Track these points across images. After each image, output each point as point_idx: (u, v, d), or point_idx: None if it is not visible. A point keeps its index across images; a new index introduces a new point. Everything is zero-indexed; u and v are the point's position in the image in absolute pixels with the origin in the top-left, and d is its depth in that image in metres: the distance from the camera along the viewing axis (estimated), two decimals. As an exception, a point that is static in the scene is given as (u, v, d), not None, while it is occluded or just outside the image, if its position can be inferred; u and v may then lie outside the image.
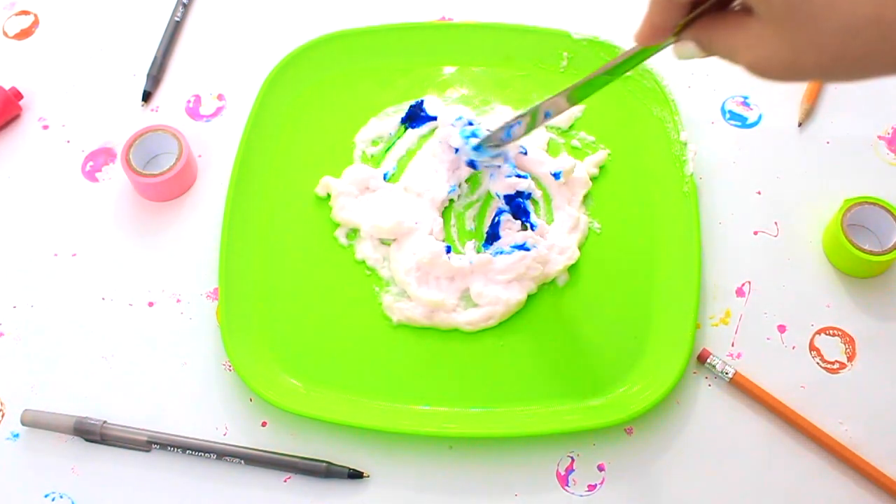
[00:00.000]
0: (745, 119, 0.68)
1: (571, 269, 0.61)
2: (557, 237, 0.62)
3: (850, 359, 0.59)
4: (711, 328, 0.60)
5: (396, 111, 0.68)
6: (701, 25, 0.42)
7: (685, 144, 0.64)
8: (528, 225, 0.62)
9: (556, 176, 0.63)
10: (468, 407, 0.57)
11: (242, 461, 0.56)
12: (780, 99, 0.69)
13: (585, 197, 0.64)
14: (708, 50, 0.42)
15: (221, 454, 0.56)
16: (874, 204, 0.61)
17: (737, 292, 0.61)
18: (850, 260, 0.61)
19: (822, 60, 0.37)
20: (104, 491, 0.56)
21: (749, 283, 0.62)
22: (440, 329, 0.60)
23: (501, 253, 0.60)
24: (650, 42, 0.44)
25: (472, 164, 0.63)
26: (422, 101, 0.67)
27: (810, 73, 0.38)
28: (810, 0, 0.36)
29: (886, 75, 0.38)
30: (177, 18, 0.73)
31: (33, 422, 0.57)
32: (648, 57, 0.47)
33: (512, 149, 0.63)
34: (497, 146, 0.61)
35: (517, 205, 0.62)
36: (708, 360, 0.58)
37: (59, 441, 0.57)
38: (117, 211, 0.65)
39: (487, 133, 0.62)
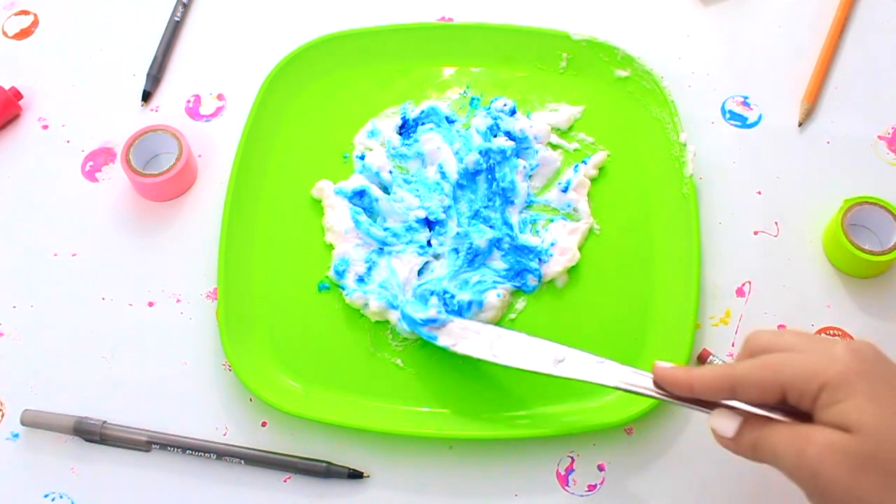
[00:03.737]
0: (746, 119, 0.68)
1: (571, 269, 0.61)
2: (558, 238, 0.62)
3: (850, 359, 0.59)
4: (711, 328, 0.60)
5: (396, 112, 0.68)
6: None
7: (684, 146, 0.64)
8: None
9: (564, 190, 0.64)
10: (468, 408, 0.57)
11: (242, 461, 0.56)
12: (781, 99, 0.69)
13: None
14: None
15: (221, 454, 0.56)
16: (874, 204, 0.61)
17: (737, 292, 0.61)
18: (850, 260, 0.61)
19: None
20: (104, 491, 0.56)
21: (749, 282, 0.62)
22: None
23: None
24: (672, 388, 0.45)
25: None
26: (415, 121, 0.67)
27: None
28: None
29: None
30: (177, 18, 0.73)
31: (33, 422, 0.57)
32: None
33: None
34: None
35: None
36: (708, 360, 0.58)
37: (59, 441, 0.57)
38: (117, 211, 0.65)
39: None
